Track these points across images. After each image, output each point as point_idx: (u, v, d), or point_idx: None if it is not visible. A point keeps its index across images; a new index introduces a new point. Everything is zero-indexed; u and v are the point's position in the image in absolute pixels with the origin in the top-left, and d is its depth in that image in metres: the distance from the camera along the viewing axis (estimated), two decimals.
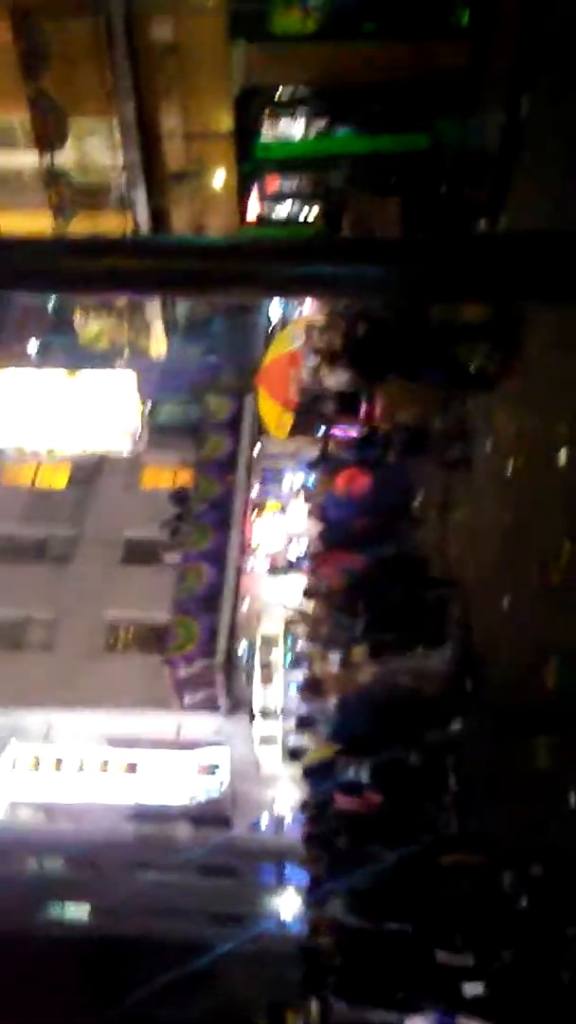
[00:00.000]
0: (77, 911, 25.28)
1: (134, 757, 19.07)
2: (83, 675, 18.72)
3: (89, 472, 22.27)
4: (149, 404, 17.07)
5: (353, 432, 11.51)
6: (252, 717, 18.28)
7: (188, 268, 2.94)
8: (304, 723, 9.13)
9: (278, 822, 20.75)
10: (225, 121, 10.45)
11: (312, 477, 14.90)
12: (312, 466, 12.50)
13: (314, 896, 9.05)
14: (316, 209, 12.46)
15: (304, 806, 9.35)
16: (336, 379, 9.46)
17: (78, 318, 12.61)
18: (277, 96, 11.79)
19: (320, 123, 12.87)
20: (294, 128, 14.76)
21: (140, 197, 10.57)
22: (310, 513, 14.00)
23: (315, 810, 9.20)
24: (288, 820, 20.13)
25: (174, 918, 24.19)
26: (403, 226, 8.06)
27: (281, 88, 11.71)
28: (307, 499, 17.28)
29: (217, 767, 18.93)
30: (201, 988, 22.57)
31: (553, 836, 5.49)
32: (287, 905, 22.05)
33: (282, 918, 22.53)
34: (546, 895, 5.58)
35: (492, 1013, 6.85)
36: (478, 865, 7.29)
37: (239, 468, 20.86)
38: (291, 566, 19.82)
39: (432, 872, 7.75)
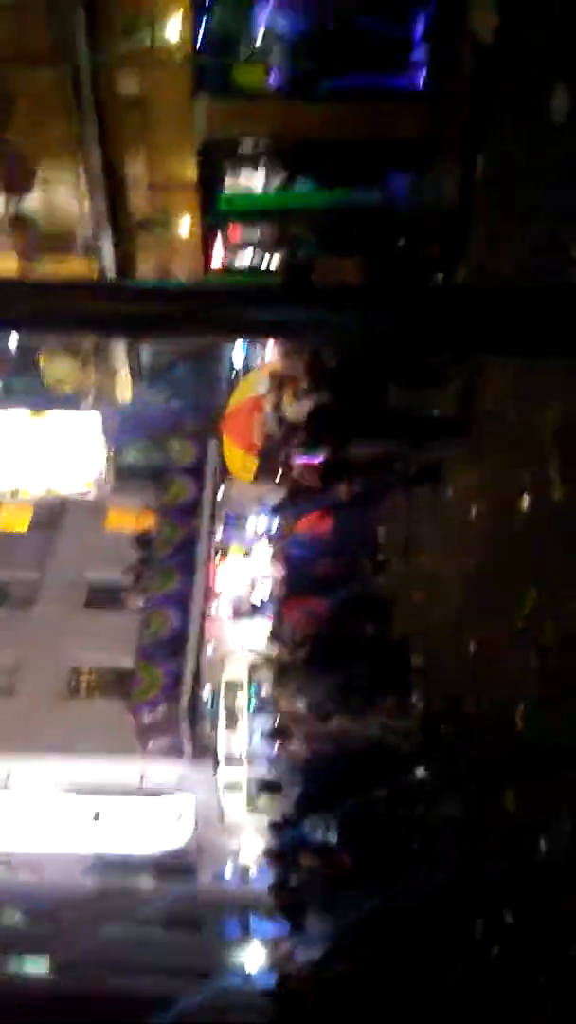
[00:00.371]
0: (37, 966, 24.54)
1: (96, 805, 18.73)
2: (44, 721, 18.43)
3: (52, 515, 22.13)
4: (113, 448, 17.06)
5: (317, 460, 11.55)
6: (217, 764, 18.07)
7: (153, 311, 2.99)
8: (268, 787, 9.03)
9: (243, 872, 20.43)
10: (189, 172, 10.62)
11: (276, 521, 14.98)
12: (276, 509, 12.57)
13: (282, 947, 8.92)
14: (277, 258, 12.68)
15: (270, 857, 9.24)
16: (298, 410, 9.54)
17: (43, 361, 12.61)
18: (239, 149, 12.01)
19: (280, 176, 13.13)
20: (255, 180, 15.04)
21: (106, 244, 10.66)
22: (274, 557, 14.02)
23: (282, 862, 9.09)
24: (253, 870, 19.84)
25: (137, 973, 23.58)
26: (364, 277, 8.21)
27: (243, 141, 11.93)
28: (271, 543, 17.32)
29: (181, 815, 18.66)
30: None
31: (524, 883, 5.48)
32: (253, 958, 21.63)
33: (248, 971, 22.07)
34: (518, 943, 5.55)
35: None
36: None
37: (203, 512, 20.89)
38: (255, 610, 19.79)
39: (403, 921, 7.69)
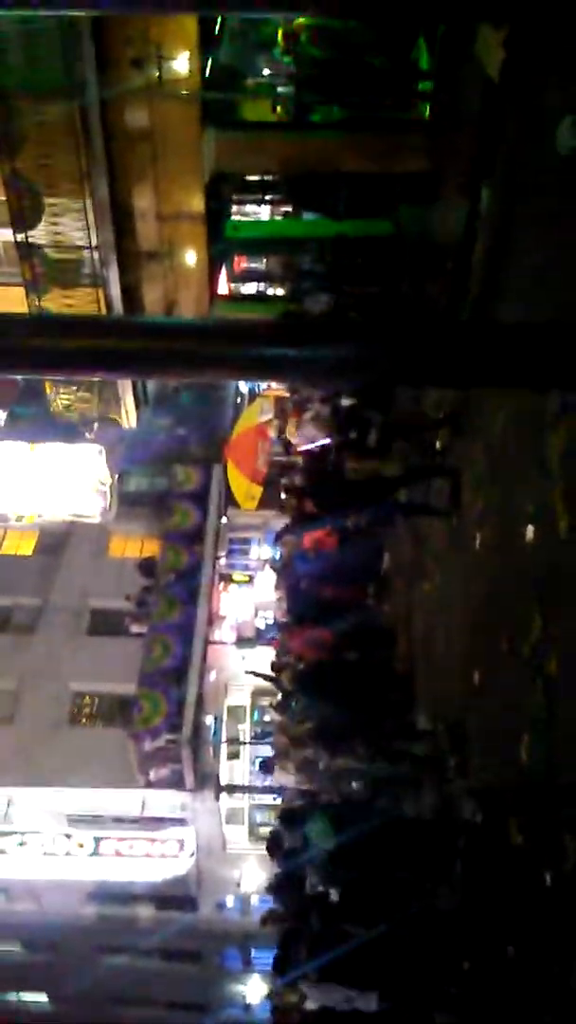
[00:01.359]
0: (36, 997, 24.23)
1: (97, 835, 18.59)
2: (45, 749, 18.33)
3: (56, 540, 22.16)
4: (117, 474, 17.13)
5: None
6: (218, 793, 17.93)
7: (158, 349, 3.02)
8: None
9: (245, 902, 20.22)
10: (196, 203, 10.75)
11: (280, 547, 15.01)
12: (280, 535, 12.63)
13: (282, 978, 8.77)
14: (282, 290, 12.82)
15: (272, 887, 9.13)
16: (302, 436, 9.62)
17: (49, 389, 12.71)
18: (246, 181, 12.18)
19: (286, 207, 13.30)
20: (262, 211, 15.23)
21: (113, 274, 10.77)
22: (277, 585, 14.00)
23: (284, 891, 8.97)
24: (254, 900, 19.63)
25: (136, 1005, 23.27)
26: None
27: (250, 173, 12.10)
28: (275, 570, 17.31)
29: (182, 844, 18.50)
30: None
31: (529, 916, 5.43)
32: (253, 990, 21.34)
33: (248, 1003, 21.77)
34: (521, 977, 5.48)
35: None
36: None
37: (207, 539, 20.90)
38: (259, 637, 19.74)
39: (403, 949, 7.58)
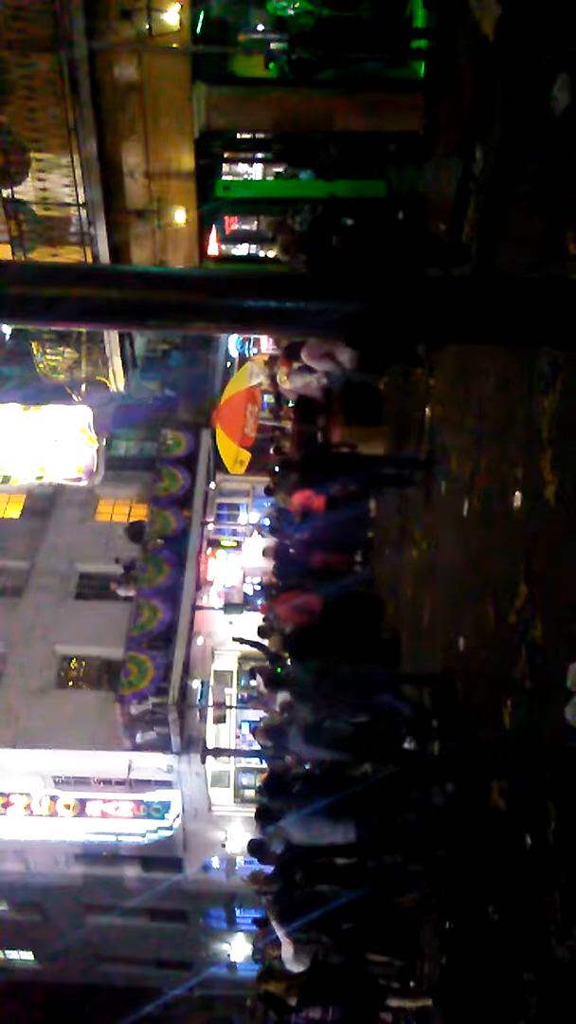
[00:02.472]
0: (23, 956, 24.57)
1: (83, 796, 18.73)
2: (32, 711, 18.42)
3: (44, 503, 22.09)
4: (106, 437, 17.02)
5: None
6: (204, 756, 18.06)
7: (146, 298, 2.94)
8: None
9: (229, 863, 20.46)
10: (186, 161, 10.54)
11: (269, 505, 14.99)
12: (269, 491, 12.61)
13: (267, 938, 8.90)
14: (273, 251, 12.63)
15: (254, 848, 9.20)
16: (294, 383, 9.56)
17: (35, 350, 12.54)
18: (237, 139, 11.95)
19: (278, 167, 13.09)
20: (253, 171, 15.00)
21: (100, 232, 10.57)
22: (265, 551, 14.00)
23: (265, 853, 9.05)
24: (239, 862, 19.86)
25: (123, 963, 23.63)
26: (356, 353, 8.43)
27: (241, 130, 11.88)
28: (263, 534, 17.31)
29: (168, 806, 18.66)
30: None
31: (509, 879, 5.48)
32: (237, 949, 21.68)
33: (232, 961, 22.13)
34: (502, 939, 5.54)
35: None
36: (431, 909, 7.27)
37: (195, 504, 20.87)
38: (246, 603, 19.78)
39: (388, 913, 7.68)
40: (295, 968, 8.00)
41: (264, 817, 8.22)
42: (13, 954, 24.54)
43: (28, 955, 24.41)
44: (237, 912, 21.70)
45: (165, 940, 22.92)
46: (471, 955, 6.27)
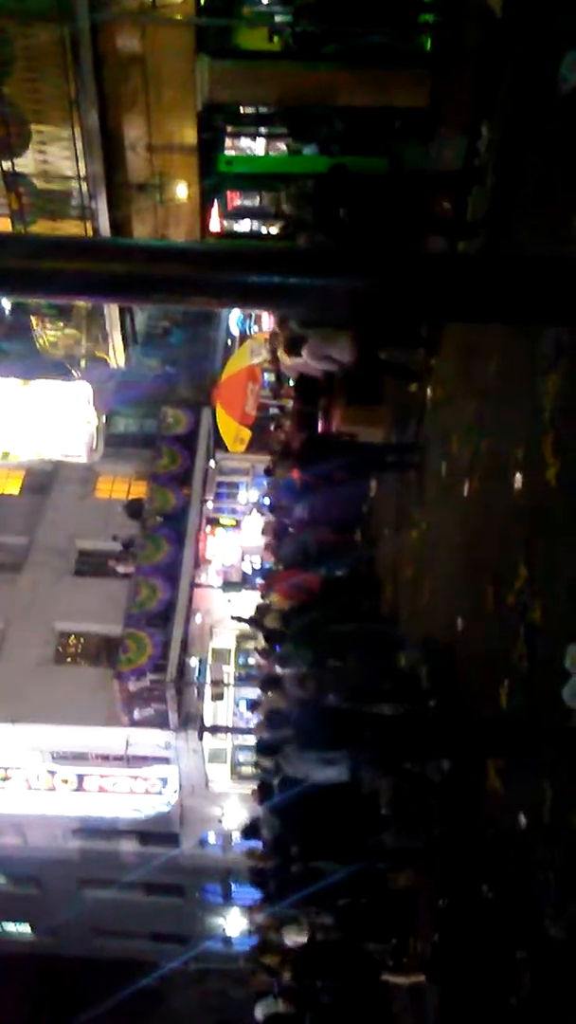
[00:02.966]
0: (20, 928, 24.81)
1: (81, 772, 18.83)
2: (30, 687, 18.47)
3: (43, 480, 22.06)
4: (105, 414, 16.96)
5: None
6: (202, 733, 18.15)
7: (158, 273, 2.91)
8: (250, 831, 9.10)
9: (226, 838, 20.61)
10: (189, 135, 10.42)
11: (267, 485, 14.97)
12: (269, 472, 12.59)
13: (263, 912, 8.99)
14: (276, 228, 12.54)
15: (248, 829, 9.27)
16: (294, 362, 9.52)
17: (35, 325, 12.45)
18: (240, 113, 11.82)
19: (282, 142, 12.95)
20: (256, 146, 14.85)
21: (101, 206, 10.47)
22: (264, 530, 14.00)
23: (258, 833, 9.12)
24: (236, 837, 19.98)
25: (119, 937, 23.86)
26: (357, 351, 8.42)
27: (244, 104, 11.74)
28: (261, 510, 17.33)
29: (165, 782, 18.77)
30: (147, 1007, 22.28)
31: (503, 858, 5.51)
32: (233, 923, 21.89)
33: (228, 936, 22.34)
34: (495, 917, 5.59)
35: None
36: (426, 886, 7.33)
37: (194, 482, 20.84)
38: (245, 581, 19.81)
39: (381, 893, 7.75)
40: (291, 942, 8.09)
41: (265, 751, 8.29)
42: (11, 926, 24.78)
43: (25, 927, 24.66)
44: (233, 887, 21.88)
45: (161, 914, 23.13)
46: (464, 932, 6.32)
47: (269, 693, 9.37)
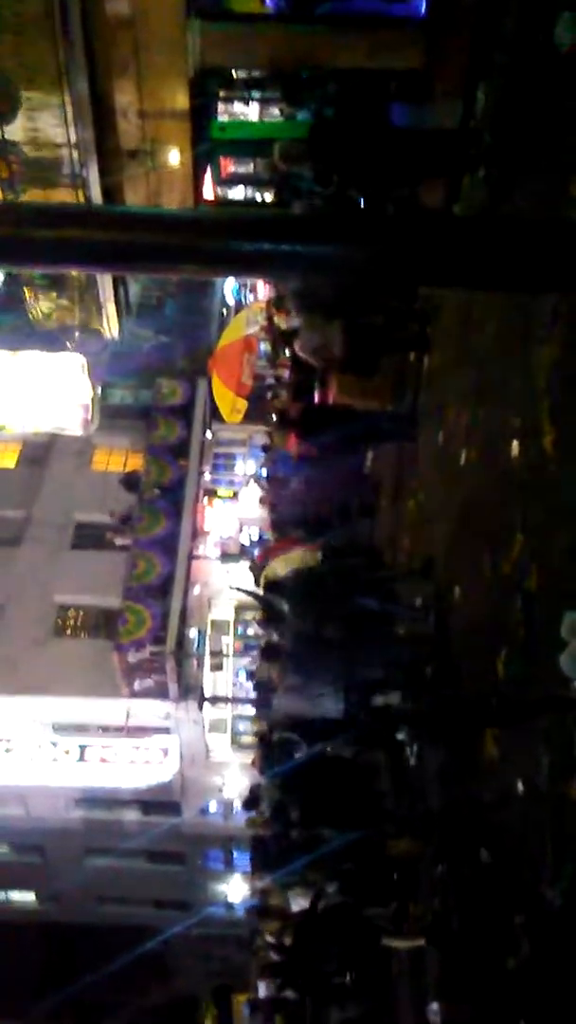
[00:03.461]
0: (24, 896, 25.11)
1: (82, 742, 18.95)
2: (30, 659, 18.54)
3: (39, 453, 21.98)
4: (100, 386, 16.85)
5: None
6: (202, 703, 18.25)
7: (147, 241, 2.86)
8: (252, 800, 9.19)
9: (227, 807, 20.80)
10: (180, 100, 10.26)
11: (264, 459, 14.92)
12: (266, 448, 12.57)
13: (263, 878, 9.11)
14: (270, 195, 12.37)
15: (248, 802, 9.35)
16: (289, 322, 9.46)
17: (28, 295, 12.33)
18: (233, 77, 11.63)
19: (275, 106, 12.76)
20: (250, 111, 14.62)
21: (93, 174, 10.33)
22: (262, 500, 13.97)
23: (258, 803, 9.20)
24: (236, 806, 20.16)
25: (122, 904, 24.16)
26: (348, 350, 8.36)
27: (238, 68, 11.56)
28: (258, 481, 17.28)
29: (166, 753, 18.91)
30: (150, 973, 22.60)
31: (501, 824, 5.56)
32: (234, 890, 22.15)
33: (229, 902, 22.62)
34: (494, 882, 5.65)
35: (435, 995, 6.96)
36: (421, 853, 7.40)
37: (191, 453, 20.77)
38: (243, 553, 19.81)
39: (382, 858, 7.83)
40: (295, 906, 8.18)
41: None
42: (15, 894, 25.08)
43: (30, 896, 24.95)
44: (235, 854, 22.13)
45: (164, 881, 23.40)
46: (463, 897, 6.39)
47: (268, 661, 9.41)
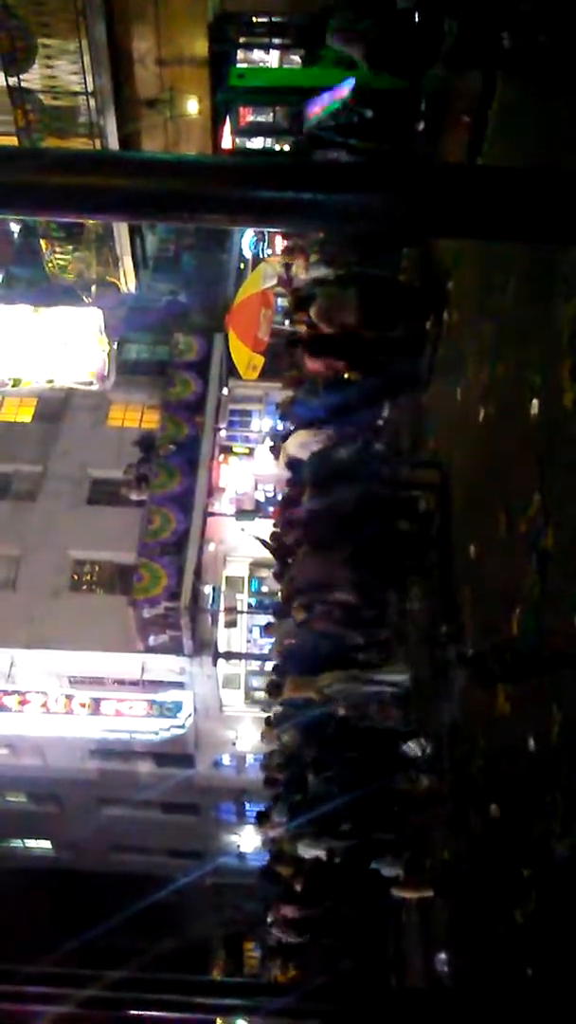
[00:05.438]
0: (40, 844, 25.63)
1: (98, 696, 19.19)
2: (47, 613, 18.71)
3: (56, 408, 21.95)
4: (117, 341, 16.76)
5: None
6: (216, 659, 18.41)
7: (166, 188, 2.81)
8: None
9: (239, 760, 21.07)
10: (199, 47, 10.08)
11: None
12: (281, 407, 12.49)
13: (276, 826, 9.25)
14: (289, 145, 12.15)
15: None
16: (311, 274, 9.37)
17: (44, 249, 12.25)
18: (252, 22, 11.39)
19: (295, 54, 12.49)
20: (269, 58, 14.33)
21: (110, 123, 10.21)
22: (278, 454, 13.89)
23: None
24: (249, 759, 20.44)
25: (136, 853, 24.62)
26: (362, 315, 8.33)
27: (258, 15, 11.31)
28: (274, 439, 17.18)
29: (180, 707, 19.12)
30: (162, 920, 23.08)
31: (512, 779, 5.60)
32: (247, 840, 22.51)
33: (241, 852, 23.01)
34: (503, 836, 5.71)
35: (443, 945, 7.09)
36: (435, 792, 7.48)
37: (207, 410, 20.66)
38: (258, 510, 19.80)
39: (392, 797, 7.92)
40: (307, 855, 8.31)
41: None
42: (32, 842, 25.61)
43: (46, 844, 25.48)
44: (247, 805, 22.47)
45: (178, 831, 23.82)
46: (472, 850, 6.47)
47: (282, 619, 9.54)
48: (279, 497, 12.24)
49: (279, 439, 12.08)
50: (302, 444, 10.02)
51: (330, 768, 7.73)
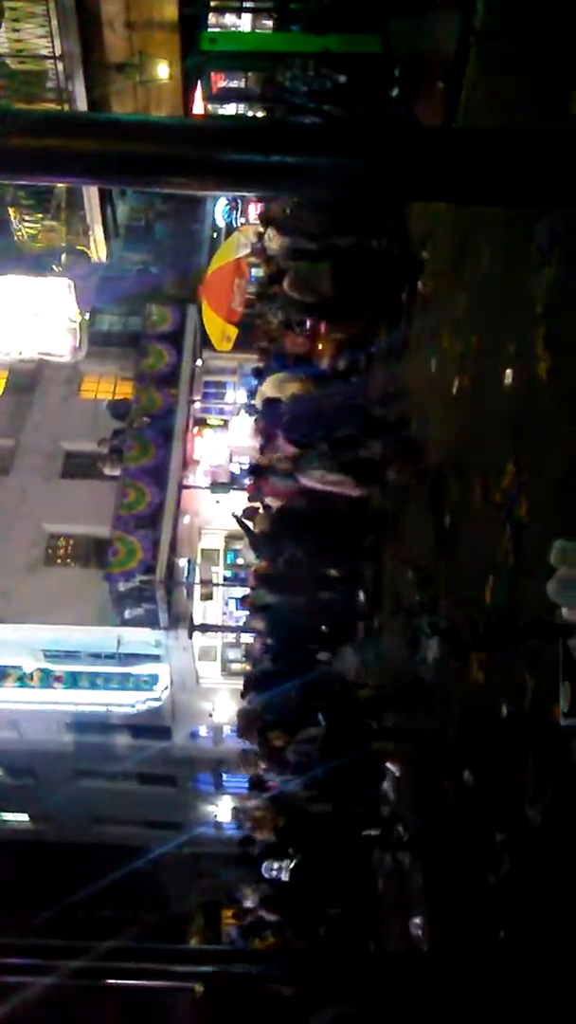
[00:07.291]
0: (17, 817, 25.68)
1: (73, 669, 19.17)
2: (21, 587, 18.61)
3: (27, 380, 21.68)
4: (88, 311, 16.53)
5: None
6: (192, 632, 18.42)
7: (134, 151, 2.74)
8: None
9: (216, 731, 21.18)
10: (169, 10, 9.88)
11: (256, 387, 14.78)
12: (258, 373, 12.42)
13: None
14: (262, 111, 11.97)
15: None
16: (281, 243, 9.31)
17: (13, 218, 12.04)
18: None
19: (267, 19, 12.30)
20: (242, 23, 14.09)
21: (79, 88, 9.99)
22: (254, 430, 13.86)
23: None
24: (226, 730, 20.54)
25: (115, 824, 24.75)
26: (336, 287, 8.38)
27: None
28: (248, 411, 17.12)
29: (156, 679, 19.15)
30: (141, 889, 23.27)
31: (484, 745, 5.66)
32: (223, 810, 22.68)
33: (219, 821, 23.19)
34: (476, 802, 5.78)
35: (418, 909, 7.20)
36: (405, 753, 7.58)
37: (181, 382, 20.50)
38: (233, 482, 19.75)
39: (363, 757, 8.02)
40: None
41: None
42: (8, 815, 25.65)
43: (23, 816, 25.53)
44: (224, 776, 22.62)
45: (155, 802, 23.95)
46: (446, 815, 6.55)
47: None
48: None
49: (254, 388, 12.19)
50: (280, 382, 10.06)
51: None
